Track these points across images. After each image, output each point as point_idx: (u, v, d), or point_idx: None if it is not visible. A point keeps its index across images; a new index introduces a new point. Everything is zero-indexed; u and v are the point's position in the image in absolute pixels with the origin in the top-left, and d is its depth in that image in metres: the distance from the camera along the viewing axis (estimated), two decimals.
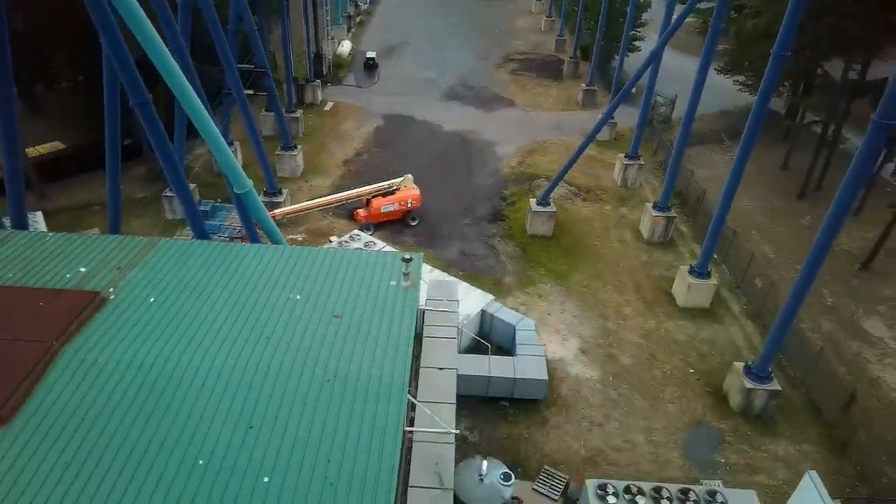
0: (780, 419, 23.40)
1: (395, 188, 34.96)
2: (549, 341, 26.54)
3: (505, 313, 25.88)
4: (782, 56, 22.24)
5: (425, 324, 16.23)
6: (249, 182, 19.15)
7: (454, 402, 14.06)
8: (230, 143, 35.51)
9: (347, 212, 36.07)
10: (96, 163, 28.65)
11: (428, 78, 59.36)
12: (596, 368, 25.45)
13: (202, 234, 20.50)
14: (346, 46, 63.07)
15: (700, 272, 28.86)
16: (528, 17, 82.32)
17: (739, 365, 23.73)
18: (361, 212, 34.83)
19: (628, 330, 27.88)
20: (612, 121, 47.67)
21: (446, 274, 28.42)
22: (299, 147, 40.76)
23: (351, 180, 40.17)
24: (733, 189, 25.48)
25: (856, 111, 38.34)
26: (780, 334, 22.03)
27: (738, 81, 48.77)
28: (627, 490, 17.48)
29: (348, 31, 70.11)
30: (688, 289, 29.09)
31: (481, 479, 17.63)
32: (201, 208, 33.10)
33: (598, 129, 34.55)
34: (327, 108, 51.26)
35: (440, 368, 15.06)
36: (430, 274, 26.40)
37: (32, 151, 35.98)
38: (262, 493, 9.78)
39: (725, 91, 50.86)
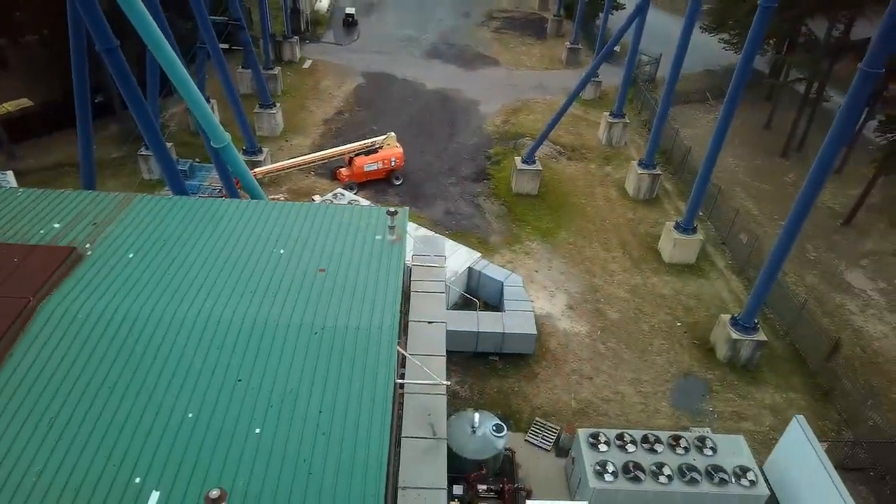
0: (766, 369, 23.80)
1: (377, 146, 34.23)
2: (536, 298, 26.51)
3: (492, 270, 25.73)
4: (769, 7, 21.86)
5: (413, 279, 16.00)
6: (227, 136, 18.46)
7: (444, 354, 13.94)
8: (207, 100, 34.26)
9: (329, 171, 35.34)
10: (67, 121, 27.49)
11: (409, 35, 57.84)
12: (584, 323, 25.54)
13: (182, 192, 19.83)
14: (324, 2, 61.05)
15: (686, 227, 28.88)
16: None
17: (726, 317, 23.96)
18: (344, 171, 34.13)
19: (615, 285, 27.95)
20: (597, 79, 47.09)
21: (432, 233, 28.08)
22: (278, 105, 39.61)
23: (332, 139, 39.27)
24: (719, 143, 25.30)
25: (838, 72, 38.24)
26: (766, 286, 22.20)
27: (722, 40, 48.21)
28: (619, 438, 17.69)
29: None
30: (673, 244, 29.15)
31: (474, 431, 17.68)
32: (179, 167, 32.07)
33: (581, 86, 34.00)
34: (306, 65, 49.78)
35: (429, 322, 14.91)
36: (416, 232, 26.05)
37: None
38: (255, 445, 9.57)
39: (710, 50, 50.33)
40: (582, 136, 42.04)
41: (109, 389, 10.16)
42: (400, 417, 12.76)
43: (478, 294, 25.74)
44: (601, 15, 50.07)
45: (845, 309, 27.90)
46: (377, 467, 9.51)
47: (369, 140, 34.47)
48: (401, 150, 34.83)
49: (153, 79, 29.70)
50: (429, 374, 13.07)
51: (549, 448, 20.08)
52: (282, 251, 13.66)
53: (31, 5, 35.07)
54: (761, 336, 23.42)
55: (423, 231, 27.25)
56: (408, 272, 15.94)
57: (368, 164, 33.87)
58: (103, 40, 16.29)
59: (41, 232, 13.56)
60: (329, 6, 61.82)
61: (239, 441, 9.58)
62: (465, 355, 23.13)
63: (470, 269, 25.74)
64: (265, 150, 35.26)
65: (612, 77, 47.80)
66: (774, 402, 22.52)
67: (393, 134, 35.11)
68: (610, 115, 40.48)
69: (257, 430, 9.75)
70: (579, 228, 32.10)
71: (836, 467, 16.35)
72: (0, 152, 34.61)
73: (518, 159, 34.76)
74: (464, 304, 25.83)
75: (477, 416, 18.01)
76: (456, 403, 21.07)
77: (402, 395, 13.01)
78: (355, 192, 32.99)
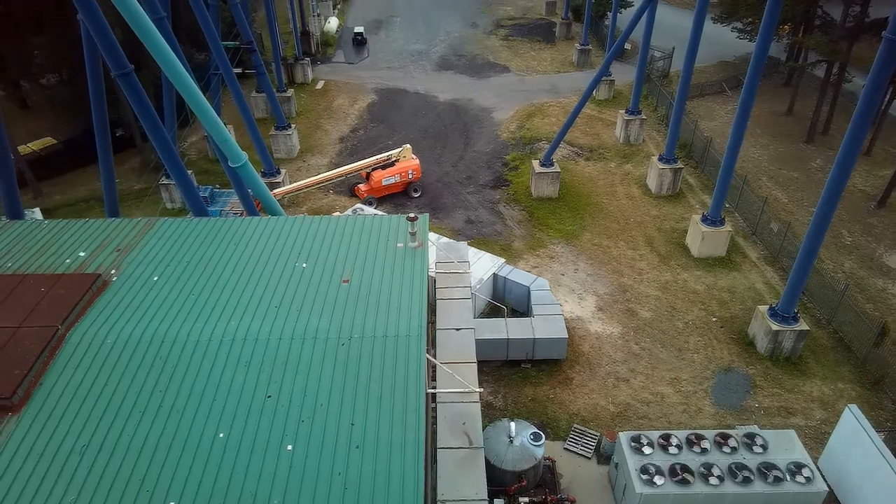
0: (810, 360, 22.85)
1: (394, 159, 34.15)
2: (565, 301, 25.97)
3: (518, 275, 25.26)
4: None
5: (437, 286, 15.71)
6: (244, 155, 18.49)
7: (475, 360, 13.61)
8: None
9: (348, 188, 35.34)
10: (91, 157, 27.96)
11: (418, 50, 58.12)
12: (616, 324, 24.89)
13: (202, 214, 19.87)
14: (333, 23, 61.73)
15: (713, 220, 28.13)
16: None
17: (764, 308, 23.11)
18: (363, 186, 34.08)
19: (645, 284, 27.26)
20: (610, 77, 46.65)
21: (454, 241, 27.75)
22: (293, 126, 39.88)
23: (348, 157, 39.35)
24: (741, 130, 24.66)
25: (858, 54, 37.26)
26: (803, 272, 21.38)
27: (735, 28, 47.48)
28: (662, 439, 17.02)
29: (334, 7, 68.60)
30: (702, 238, 28.39)
31: (511, 441, 17.17)
32: (201, 194, 32.37)
33: (594, 84, 33.58)
34: (318, 86, 50.21)
35: (457, 329, 14.59)
36: (438, 241, 25.72)
37: (25, 149, 35.28)
38: (287, 462, 9.30)
39: (723, 42, 49.68)
40: (599, 136, 41.53)
41: (140, 413, 10.00)
42: (434, 428, 12.42)
43: (505, 300, 25.30)
44: (609, 15, 49.74)
45: (888, 293, 26.79)
46: (414, 478, 9.15)
47: (385, 154, 34.41)
48: (417, 161, 34.71)
49: (169, 103, 30.07)
50: (460, 381, 12.73)
51: (590, 455, 19.43)
52: (304, 265, 13.50)
53: (51, 48, 35.99)
54: (803, 326, 22.51)
55: (445, 241, 26.94)
56: (432, 282, 15.66)
57: (386, 178, 33.80)
58: (117, 65, 16.44)
59: (67, 261, 13.60)
60: (338, 27, 62.52)
61: (271, 459, 9.31)
62: (496, 364, 22.66)
63: (495, 276, 25.33)
64: (283, 170, 35.43)
65: (625, 75, 47.33)
66: (823, 394, 21.57)
67: (408, 146, 35.03)
68: (626, 112, 39.95)
69: (289, 447, 9.47)
70: (603, 228, 31.51)
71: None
72: (27, 191, 35.34)
73: (536, 163, 34.37)
74: (490, 311, 25.41)
75: (513, 425, 17.51)
76: (490, 414, 20.58)
77: (435, 402, 12.68)
78: (375, 206, 32.90)
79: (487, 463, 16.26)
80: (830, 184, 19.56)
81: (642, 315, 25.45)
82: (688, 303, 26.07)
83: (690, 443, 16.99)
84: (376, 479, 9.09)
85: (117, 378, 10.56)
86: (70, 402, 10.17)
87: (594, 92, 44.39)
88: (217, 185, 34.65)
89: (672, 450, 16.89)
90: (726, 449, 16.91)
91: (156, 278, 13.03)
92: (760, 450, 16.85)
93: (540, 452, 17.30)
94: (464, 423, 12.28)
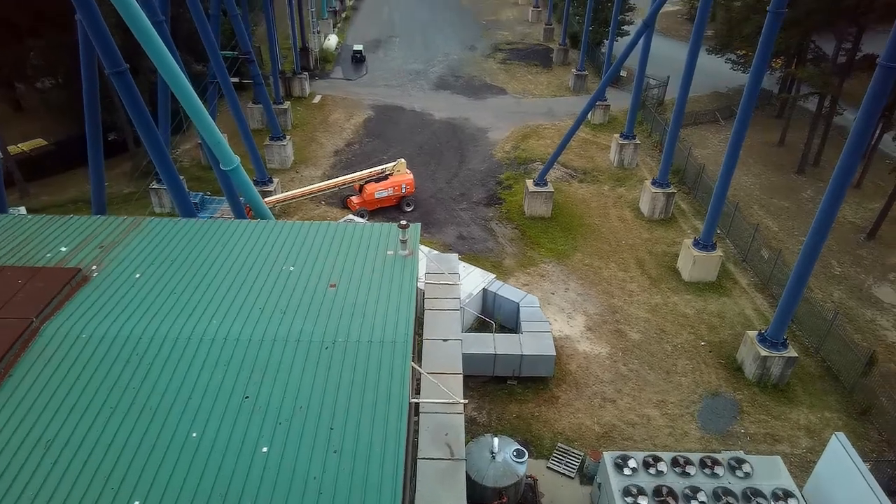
0: (798, 387, 22.71)
1: (387, 173, 34.13)
2: (554, 320, 25.78)
3: (507, 291, 25.11)
4: (780, 13, 21.72)
5: (426, 297, 15.52)
6: (237, 158, 18.38)
7: (461, 372, 13.37)
8: None
9: (340, 200, 35.23)
10: (82, 160, 27.73)
11: (416, 69, 58.60)
12: (604, 345, 24.70)
13: (191, 216, 19.62)
14: (332, 40, 62.23)
15: (705, 244, 28.19)
16: (515, 9, 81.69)
17: (753, 333, 23.03)
18: (355, 199, 33.99)
19: (635, 306, 27.16)
20: (606, 102, 47.14)
21: (444, 254, 27.59)
22: (288, 137, 39.87)
23: (342, 170, 39.31)
24: (734, 156, 24.88)
25: (847, 89, 37.91)
26: (793, 298, 21.36)
27: (729, 60, 48.30)
28: (647, 461, 16.74)
29: (334, 25, 69.26)
30: (693, 262, 28.41)
31: (493, 457, 16.84)
32: (191, 200, 32.12)
33: (589, 107, 33.87)
34: (315, 100, 50.39)
35: (444, 340, 14.37)
36: (429, 254, 25.56)
37: (14, 149, 34.99)
38: (261, 464, 8.99)
39: (717, 73, 50.44)
40: (593, 159, 41.79)
41: (110, 410, 9.69)
42: (416, 434, 12.12)
43: (493, 316, 25.09)
44: (606, 42, 50.47)
45: (876, 325, 26.82)
46: (392, 487, 8.86)
47: (379, 167, 34.41)
48: (411, 175, 34.72)
49: (164, 106, 29.91)
50: (445, 391, 12.47)
51: (573, 475, 19.09)
52: (291, 268, 13.30)
53: (48, 51, 35.94)
54: (791, 352, 22.43)
55: (437, 253, 26.79)
56: (420, 294, 15.46)
57: (379, 191, 33.74)
58: (112, 63, 16.35)
59: (47, 255, 13.33)
60: (337, 44, 63.02)
61: (245, 460, 9.01)
62: (482, 380, 22.37)
63: (485, 291, 25.15)
64: (275, 179, 35.31)
65: (620, 101, 47.87)
66: (809, 423, 21.39)
67: (403, 160, 35.06)
68: (620, 136, 40.28)
69: (264, 449, 9.17)
70: (595, 249, 31.50)
71: None
72: (14, 190, 34.97)
73: (530, 182, 34.47)
74: (479, 326, 25.18)
75: (496, 440, 17.19)
76: (474, 430, 20.23)
77: (418, 412, 12.40)
78: (366, 219, 32.77)
79: (468, 478, 15.89)
80: (821, 213, 19.67)
81: (631, 336, 25.29)
82: (677, 326, 25.96)
83: (675, 465, 16.72)
84: (352, 486, 8.81)
85: (90, 373, 10.26)
86: (39, 396, 9.85)
87: (589, 116, 44.95)
88: (208, 192, 34.47)
89: (656, 471, 16.60)
90: (711, 472, 16.63)
91: (138, 276, 12.77)
92: (745, 475, 16.59)
93: (522, 469, 16.97)
94: (446, 434, 11.99)
